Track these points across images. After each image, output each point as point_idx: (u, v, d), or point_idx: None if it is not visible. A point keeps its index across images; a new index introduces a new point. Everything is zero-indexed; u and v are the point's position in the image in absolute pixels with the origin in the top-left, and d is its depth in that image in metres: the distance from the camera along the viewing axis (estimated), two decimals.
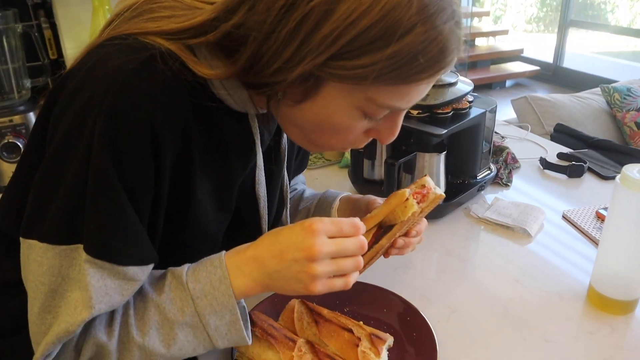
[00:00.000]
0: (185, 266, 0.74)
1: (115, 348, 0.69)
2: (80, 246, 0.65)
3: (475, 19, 6.53)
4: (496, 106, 1.34)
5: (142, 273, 0.69)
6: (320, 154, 1.65)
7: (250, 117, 0.79)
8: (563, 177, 1.51)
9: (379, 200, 0.98)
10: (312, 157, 1.64)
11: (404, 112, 0.76)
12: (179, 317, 0.70)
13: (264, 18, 0.63)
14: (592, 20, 6.71)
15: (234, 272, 0.72)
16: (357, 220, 0.74)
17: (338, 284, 0.72)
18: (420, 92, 0.70)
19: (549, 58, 6.17)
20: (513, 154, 1.54)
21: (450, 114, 1.22)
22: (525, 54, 6.28)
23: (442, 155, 1.26)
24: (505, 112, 3.28)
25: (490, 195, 1.39)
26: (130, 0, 0.74)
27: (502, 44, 6.51)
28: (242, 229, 0.88)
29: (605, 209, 1.28)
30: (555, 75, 6.08)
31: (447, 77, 1.25)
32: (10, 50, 2.06)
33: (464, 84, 1.25)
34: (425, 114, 1.21)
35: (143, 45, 0.66)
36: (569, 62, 6.06)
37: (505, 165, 1.50)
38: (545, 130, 2.48)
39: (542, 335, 0.90)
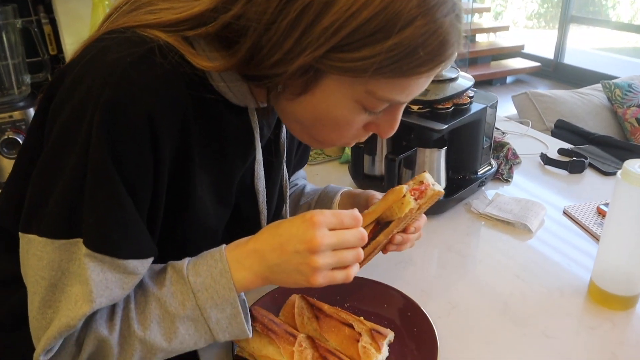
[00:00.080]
0: (186, 260, 0.74)
1: (117, 342, 0.69)
2: (80, 240, 0.65)
3: (476, 15, 6.51)
4: (497, 102, 1.33)
5: (142, 266, 0.69)
6: (321, 150, 1.65)
7: (250, 111, 0.79)
8: (564, 172, 1.50)
9: (379, 195, 0.98)
10: (312, 152, 1.64)
11: (404, 106, 0.76)
12: (180, 311, 0.70)
13: (264, 9, 0.62)
14: (593, 16, 6.70)
15: (235, 266, 0.72)
16: (357, 212, 0.74)
17: (339, 277, 0.72)
18: (420, 86, 0.70)
19: (549, 54, 6.15)
20: (514, 149, 1.54)
21: (451, 109, 1.21)
22: (526, 50, 6.27)
23: (443, 151, 1.26)
24: (506, 108, 3.27)
25: (490, 191, 1.38)
26: None
27: (503, 40, 6.50)
28: (242, 224, 0.88)
29: (606, 204, 1.27)
30: (556, 72, 6.07)
31: (447, 72, 1.24)
32: (10, 46, 2.06)
33: (464, 79, 1.25)
34: (425, 110, 1.21)
35: (141, 39, 0.66)
36: (569, 58, 6.05)
37: (506, 161, 1.49)
38: (546, 126, 2.48)
39: (543, 331, 0.90)
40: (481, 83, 5.69)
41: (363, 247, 0.74)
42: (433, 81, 1.20)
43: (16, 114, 2.00)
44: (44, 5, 2.18)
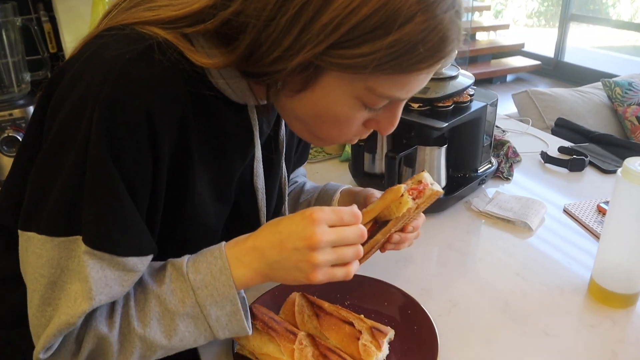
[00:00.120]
0: (186, 257, 0.74)
1: (117, 339, 0.69)
2: (79, 237, 0.65)
3: (476, 14, 6.50)
4: (497, 99, 1.33)
5: (141, 264, 0.69)
6: (321, 148, 1.65)
7: (249, 108, 0.79)
8: (564, 171, 1.50)
9: (377, 194, 0.98)
10: (312, 151, 1.64)
11: (404, 103, 0.76)
12: (180, 308, 0.70)
13: (263, 5, 0.62)
14: (594, 15, 6.69)
15: (234, 263, 0.72)
16: (356, 209, 0.73)
17: (339, 274, 0.72)
18: (420, 82, 0.70)
19: (550, 52, 6.15)
20: (514, 147, 1.54)
21: (451, 107, 1.21)
22: (526, 49, 6.27)
23: (443, 149, 1.26)
24: (506, 106, 3.27)
25: (491, 189, 1.38)
26: None
27: (503, 39, 6.50)
28: (241, 221, 0.88)
29: (606, 202, 1.27)
30: (556, 70, 6.07)
31: (448, 70, 1.24)
32: (10, 44, 2.06)
33: (464, 78, 1.25)
34: (426, 107, 1.21)
35: (140, 36, 0.66)
36: (570, 57, 6.05)
37: (506, 159, 1.49)
38: (547, 125, 2.48)
39: (543, 329, 0.90)
40: (481, 81, 5.69)
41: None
42: (433, 79, 1.21)
43: (16, 112, 2.00)
44: (44, 3, 2.18)
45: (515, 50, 6.23)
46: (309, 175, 1.23)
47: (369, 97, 0.69)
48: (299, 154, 1.09)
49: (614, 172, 1.47)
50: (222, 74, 0.72)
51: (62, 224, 0.65)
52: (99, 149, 0.62)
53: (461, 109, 1.23)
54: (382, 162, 1.37)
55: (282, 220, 0.73)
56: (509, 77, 6.15)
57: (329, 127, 0.74)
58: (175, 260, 0.74)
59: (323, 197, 1.07)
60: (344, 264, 0.73)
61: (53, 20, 2.18)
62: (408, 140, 1.25)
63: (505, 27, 6.49)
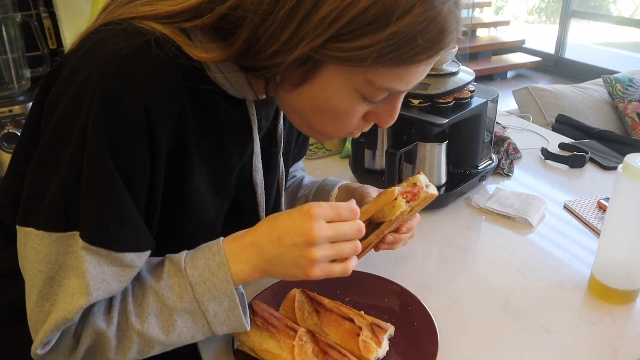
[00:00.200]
0: (184, 253, 0.74)
1: (114, 335, 0.69)
2: (77, 233, 0.65)
3: (477, 10, 6.49)
4: (498, 96, 1.33)
5: (139, 259, 0.69)
6: (321, 144, 1.65)
7: (248, 103, 0.79)
8: (564, 167, 1.50)
9: (373, 193, 0.97)
10: (313, 147, 1.64)
11: (403, 95, 0.76)
12: (178, 304, 0.70)
13: None
14: (594, 11, 6.67)
15: (232, 258, 0.72)
16: (354, 204, 0.73)
17: (337, 270, 0.72)
18: (419, 74, 0.70)
19: (550, 49, 6.14)
20: (514, 144, 1.54)
21: (452, 103, 1.21)
22: (526, 45, 6.26)
23: (444, 145, 1.25)
24: (507, 103, 3.27)
25: (491, 186, 1.38)
26: None
27: (504, 35, 6.49)
28: (240, 216, 0.88)
29: (607, 199, 1.27)
30: (556, 66, 6.06)
31: (448, 66, 1.24)
32: (10, 40, 2.05)
33: (465, 74, 1.24)
34: (426, 104, 1.20)
35: (138, 30, 0.66)
36: (570, 53, 6.04)
37: (507, 156, 1.49)
38: (547, 121, 2.47)
39: (543, 326, 0.90)
40: (482, 78, 5.68)
41: None
42: (434, 75, 1.21)
43: (16, 108, 2.00)
44: (44, 0, 2.17)
45: (516, 46, 6.22)
46: (309, 172, 1.23)
47: (368, 89, 0.68)
48: (298, 147, 1.09)
49: (615, 168, 1.46)
50: (221, 68, 0.71)
51: (59, 219, 0.65)
52: (97, 144, 0.62)
53: (462, 105, 1.23)
54: (383, 159, 1.37)
55: (280, 216, 0.73)
56: (510, 74, 6.14)
57: (328, 120, 0.74)
58: (173, 255, 0.74)
59: (321, 193, 1.07)
60: (342, 259, 0.72)
61: (53, 17, 2.18)
62: (408, 136, 1.25)
63: (506, 23, 6.48)
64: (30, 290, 0.67)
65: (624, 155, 0.89)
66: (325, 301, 0.88)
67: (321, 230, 0.69)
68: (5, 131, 1.96)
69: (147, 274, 0.73)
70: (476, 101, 1.26)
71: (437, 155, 1.26)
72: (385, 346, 0.82)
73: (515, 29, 7.08)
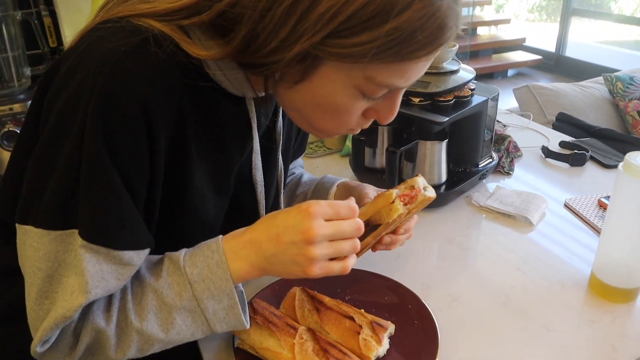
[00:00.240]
0: (183, 251, 0.74)
1: (114, 333, 0.69)
2: (76, 231, 0.65)
3: (478, 8, 6.48)
4: (498, 94, 1.33)
5: (138, 257, 0.69)
6: (322, 143, 1.65)
7: (247, 101, 0.79)
8: (565, 165, 1.50)
9: (372, 194, 0.97)
10: (313, 145, 1.64)
11: (403, 91, 0.76)
12: (177, 302, 0.70)
13: None
14: (595, 9, 6.67)
15: (231, 256, 0.72)
16: (353, 202, 0.73)
17: (336, 268, 0.72)
18: (419, 70, 0.69)
19: (551, 47, 6.14)
20: (515, 142, 1.54)
21: (452, 101, 1.21)
22: (527, 43, 6.26)
23: (444, 143, 1.25)
24: (507, 101, 3.26)
25: (491, 184, 1.38)
26: None
27: (504, 33, 6.48)
28: (240, 214, 0.88)
29: (607, 197, 1.27)
30: (557, 65, 6.06)
31: (449, 64, 1.24)
32: (10, 38, 2.05)
33: (465, 72, 1.24)
34: (426, 102, 1.20)
35: (136, 28, 0.66)
36: (571, 51, 6.03)
37: (507, 154, 1.49)
38: (548, 119, 2.47)
39: (544, 324, 0.90)
40: (482, 76, 5.68)
41: None
42: (434, 73, 1.21)
43: (16, 107, 2.00)
44: None
45: (517, 44, 6.22)
46: (309, 170, 1.23)
47: (367, 86, 0.68)
48: (298, 144, 1.09)
49: (615, 166, 1.46)
50: (220, 66, 0.71)
51: (58, 217, 0.65)
52: (95, 142, 0.62)
53: (462, 103, 1.23)
54: (383, 157, 1.37)
55: (279, 214, 0.73)
56: (510, 72, 6.14)
57: (328, 117, 0.74)
58: (172, 253, 0.74)
59: (320, 190, 1.07)
60: (341, 258, 0.72)
61: (53, 15, 2.17)
62: (409, 134, 1.25)
63: (507, 21, 6.48)
64: (29, 288, 0.67)
65: (624, 153, 0.89)
66: (326, 299, 0.88)
67: (320, 228, 0.69)
68: (6, 129, 1.96)
69: (147, 272, 0.73)
70: (477, 99, 1.26)
71: (437, 153, 1.26)
72: (385, 344, 0.82)
73: (516, 27, 7.08)
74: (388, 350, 0.82)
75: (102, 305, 0.70)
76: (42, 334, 0.65)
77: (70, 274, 0.65)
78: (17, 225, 0.67)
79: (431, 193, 0.83)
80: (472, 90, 1.25)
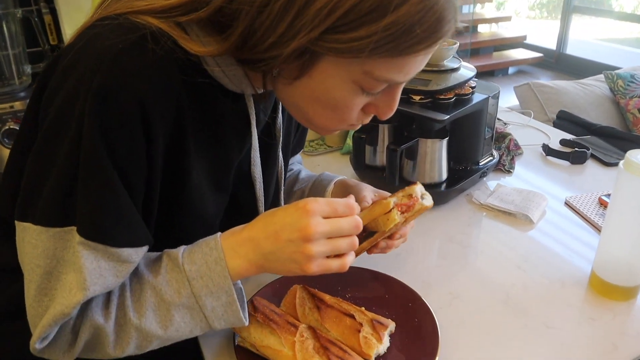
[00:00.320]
0: (181, 248, 0.74)
1: (112, 330, 0.69)
2: (74, 228, 0.65)
3: (478, 5, 6.47)
4: (499, 92, 1.33)
5: (136, 255, 0.69)
6: (322, 140, 1.65)
7: (246, 97, 0.79)
8: (566, 163, 1.50)
9: (368, 197, 0.97)
10: (313, 143, 1.64)
11: (402, 86, 0.76)
12: (176, 299, 0.70)
13: None
14: (596, 7, 6.65)
15: (230, 254, 0.72)
16: (351, 200, 0.73)
17: (334, 265, 0.72)
18: (417, 64, 0.69)
19: (552, 45, 6.13)
20: (515, 140, 1.54)
21: (453, 99, 1.21)
22: (528, 41, 6.24)
23: (444, 141, 1.25)
24: (508, 99, 3.26)
25: (492, 182, 1.38)
26: None
27: (505, 31, 6.47)
28: (239, 211, 0.88)
29: (608, 195, 1.27)
30: (558, 62, 6.05)
31: (449, 62, 1.24)
32: (10, 36, 2.05)
33: (466, 70, 1.24)
34: (427, 100, 1.20)
35: (134, 25, 0.66)
36: (572, 49, 6.02)
37: (508, 152, 1.49)
38: (548, 117, 2.47)
39: (544, 322, 0.90)
40: (483, 74, 5.67)
41: None
42: (435, 71, 1.21)
43: (17, 104, 2.00)
44: None
45: (517, 42, 6.21)
46: (310, 168, 1.23)
47: (366, 81, 0.68)
48: (297, 139, 1.09)
49: (616, 164, 1.46)
50: (218, 62, 0.71)
51: (56, 214, 0.65)
52: (92, 139, 0.62)
53: (463, 101, 1.23)
54: (384, 155, 1.36)
55: (277, 211, 0.73)
56: (511, 70, 6.13)
57: (328, 113, 0.74)
58: (171, 250, 0.74)
59: (317, 188, 1.07)
60: (340, 255, 0.73)
61: (53, 12, 2.17)
62: (409, 132, 1.25)
63: (507, 19, 6.46)
64: (28, 285, 0.67)
65: (625, 151, 0.89)
66: (326, 297, 0.88)
67: (317, 226, 0.69)
68: (6, 127, 1.96)
69: (145, 269, 0.73)
70: (477, 97, 1.26)
71: (438, 151, 1.26)
72: (386, 342, 0.82)
73: (517, 25, 7.07)
74: (388, 348, 0.82)
75: (100, 302, 0.70)
76: (41, 330, 0.65)
77: (68, 271, 0.65)
78: (16, 222, 0.68)
79: (428, 202, 0.84)
80: (472, 88, 1.25)
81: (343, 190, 1.04)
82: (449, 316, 0.91)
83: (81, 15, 2.06)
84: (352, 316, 0.83)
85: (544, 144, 1.56)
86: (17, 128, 1.96)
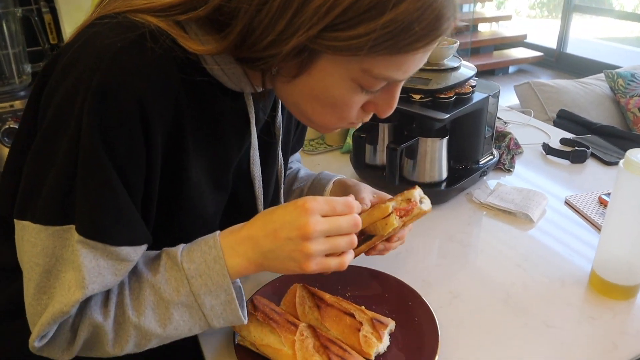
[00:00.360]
0: (180, 246, 0.74)
1: (111, 328, 0.69)
2: (73, 227, 0.65)
3: (479, 4, 6.47)
4: (499, 91, 1.33)
5: (135, 253, 0.69)
6: (322, 139, 1.65)
7: (246, 96, 0.79)
8: (566, 162, 1.50)
9: (367, 199, 0.96)
10: (314, 142, 1.64)
11: (401, 84, 0.75)
12: (175, 297, 0.70)
13: None
14: (597, 6, 6.65)
15: (229, 252, 0.72)
16: (350, 199, 0.73)
17: (333, 264, 0.72)
18: (416, 62, 0.69)
19: (552, 44, 6.12)
20: (516, 139, 1.53)
21: (453, 98, 1.21)
22: (528, 40, 6.24)
23: (445, 140, 1.25)
24: (508, 98, 3.26)
25: (492, 181, 1.38)
26: None
27: (506, 30, 6.47)
28: (239, 210, 0.88)
29: (608, 194, 1.27)
30: (558, 61, 6.05)
31: (449, 61, 1.24)
32: (10, 35, 2.05)
33: (466, 69, 1.24)
34: (427, 99, 1.20)
35: (133, 24, 0.66)
36: (572, 48, 6.02)
37: (508, 151, 1.49)
38: (548, 116, 2.47)
39: (544, 321, 0.90)
40: (483, 73, 5.66)
41: None
42: (435, 70, 1.21)
43: (17, 104, 2.00)
44: None
45: (518, 41, 6.20)
46: (310, 167, 1.23)
47: (365, 79, 0.68)
48: (297, 137, 1.09)
49: (616, 163, 1.46)
50: (217, 61, 0.71)
51: (56, 213, 0.65)
52: (91, 138, 0.62)
53: (463, 100, 1.23)
54: (384, 154, 1.36)
55: (276, 210, 0.73)
56: (511, 69, 6.13)
57: (327, 111, 0.74)
58: (170, 249, 0.74)
59: (316, 187, 1.07)
60: (339, 254, 0.73)
61: (53, 11, 2.17)
62: (409, 131, 1.25)
63: (508, 18, 6.46)
64: (27, 284, 0.67)
65: (625, 150, 0.89)
66: (326, 296, 0.88)
67: (316, 224, 0.69)
68: (7, 126, 1.96)
69: (144, 267, 0.73)
70: (477, 96, 1.25)
71: (438, 150, 1.26)
72: (386, 341, 0.82)
73: (517, 24, 7.07)
74: (388, 347, 0.82)
75: (99, 300, 0.70)
76: (40, 328, 0.65)
77: (67, 270, 0.65)
78: (15, 220, 0.68)
79: (427, 206, 0.84)
80: (472, 87, 1.25)
81: (342, 189, 1.04)
82: (449, 315, 0.90)
83: (81, 14, 2.05)
84: (352, 315, 0.83)
85: (544, 143, 1.56)
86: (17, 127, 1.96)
